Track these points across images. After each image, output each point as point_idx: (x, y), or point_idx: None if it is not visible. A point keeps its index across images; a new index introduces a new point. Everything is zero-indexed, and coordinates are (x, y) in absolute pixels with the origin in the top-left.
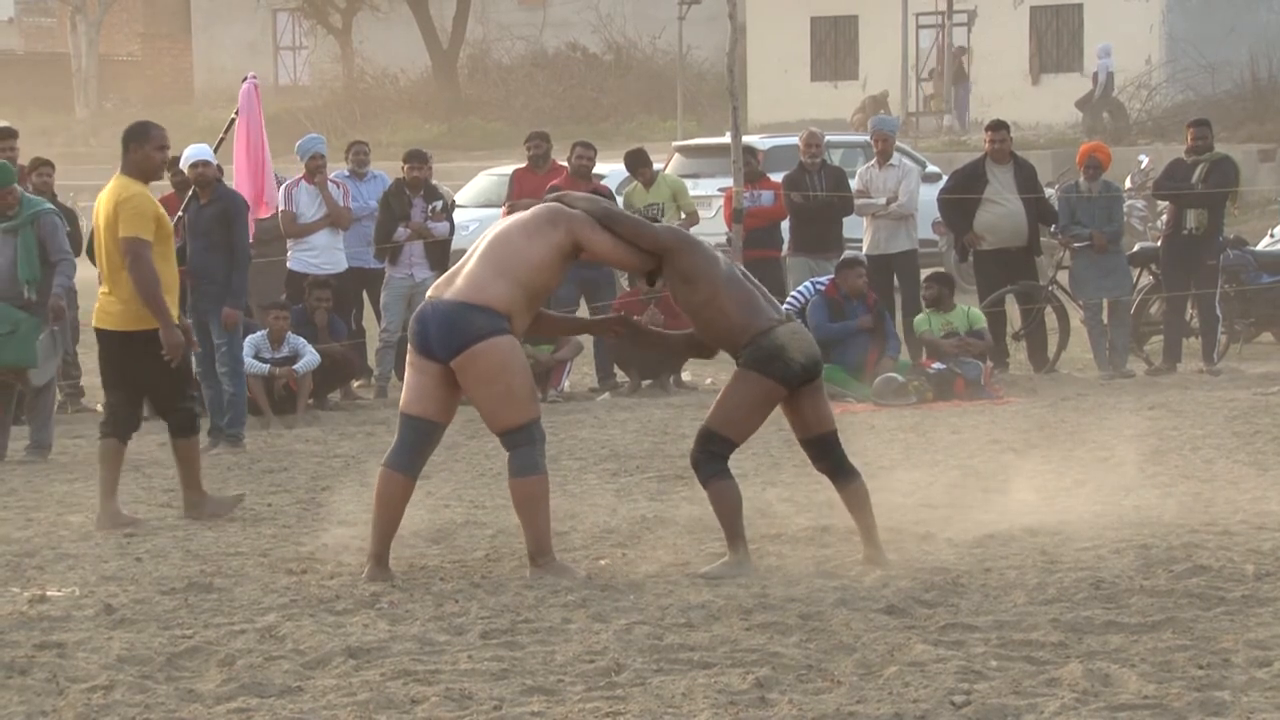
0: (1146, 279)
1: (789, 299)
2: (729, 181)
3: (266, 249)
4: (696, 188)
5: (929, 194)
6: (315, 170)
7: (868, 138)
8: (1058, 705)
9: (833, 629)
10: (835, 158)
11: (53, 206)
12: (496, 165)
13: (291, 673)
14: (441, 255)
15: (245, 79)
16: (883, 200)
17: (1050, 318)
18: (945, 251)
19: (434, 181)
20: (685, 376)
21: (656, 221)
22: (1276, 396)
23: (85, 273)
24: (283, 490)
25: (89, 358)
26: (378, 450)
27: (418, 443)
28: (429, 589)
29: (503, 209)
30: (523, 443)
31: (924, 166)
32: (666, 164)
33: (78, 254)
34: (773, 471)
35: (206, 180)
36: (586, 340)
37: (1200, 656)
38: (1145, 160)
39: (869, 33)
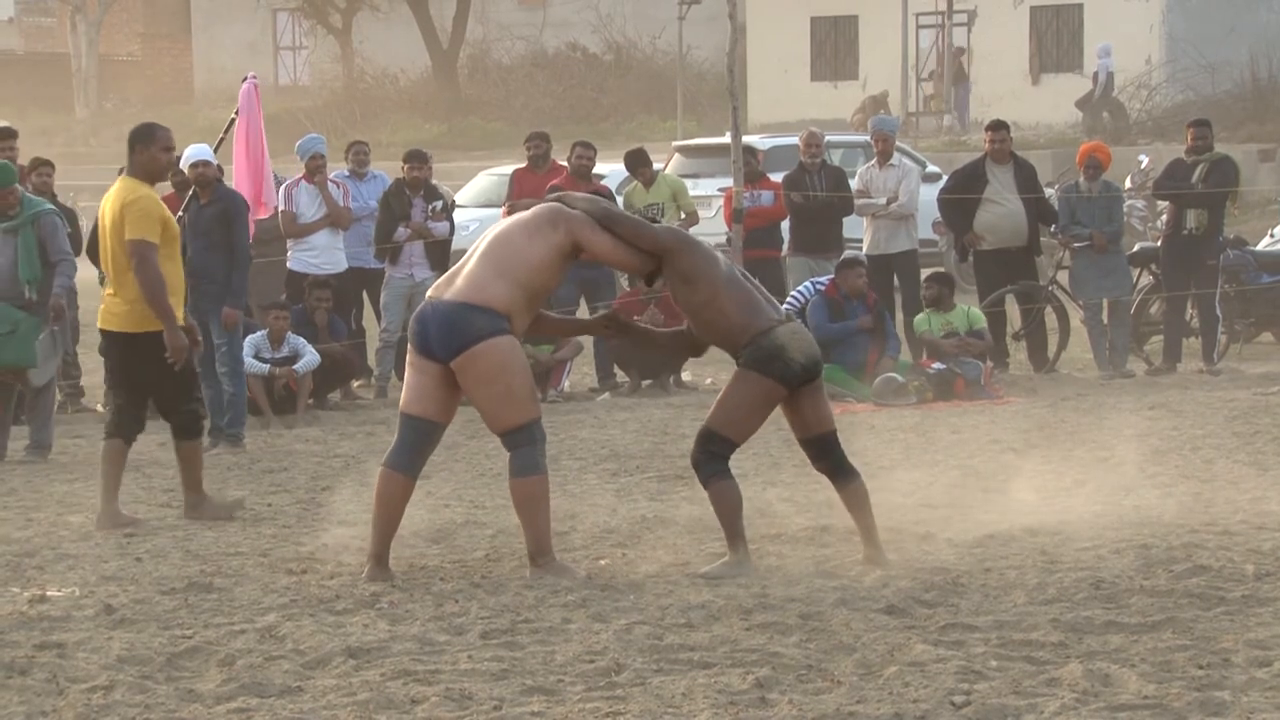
0: (1146, 279)
1: (789, 299)
2: (729, 181)
3: (266, 249)
4: (696, 188)
5: (929, 194)
6: (315, 170)
7: (868, 138)
8: (1058, 705)
9: (833, 629)
10: (835, 158)
11: (53, 207)
12: (496, 165)
13: (291, 673)
14: (441, 255)
15: (245, 79)
16: (883, 200)
17: (1050, 318)
18: (945, 251)
19: (434, 181)
20: (685, 376)
21: (656, 222)
22: (1276, 396)
23: (85, 273)
24: (283, 490)
25: (89, 358)
26: (378, 450)
27: (418, 443)
28: (429, 589)
29: (503, 209)
30: (523, 443)
31: (924, 166)
32: (666, 164)
33: (77, 254)
34: (773, 471)
35: (207, 180)
36: (586, 340)
37: (1200, 656)
38: (1145, 160)
39: (869, 33)
